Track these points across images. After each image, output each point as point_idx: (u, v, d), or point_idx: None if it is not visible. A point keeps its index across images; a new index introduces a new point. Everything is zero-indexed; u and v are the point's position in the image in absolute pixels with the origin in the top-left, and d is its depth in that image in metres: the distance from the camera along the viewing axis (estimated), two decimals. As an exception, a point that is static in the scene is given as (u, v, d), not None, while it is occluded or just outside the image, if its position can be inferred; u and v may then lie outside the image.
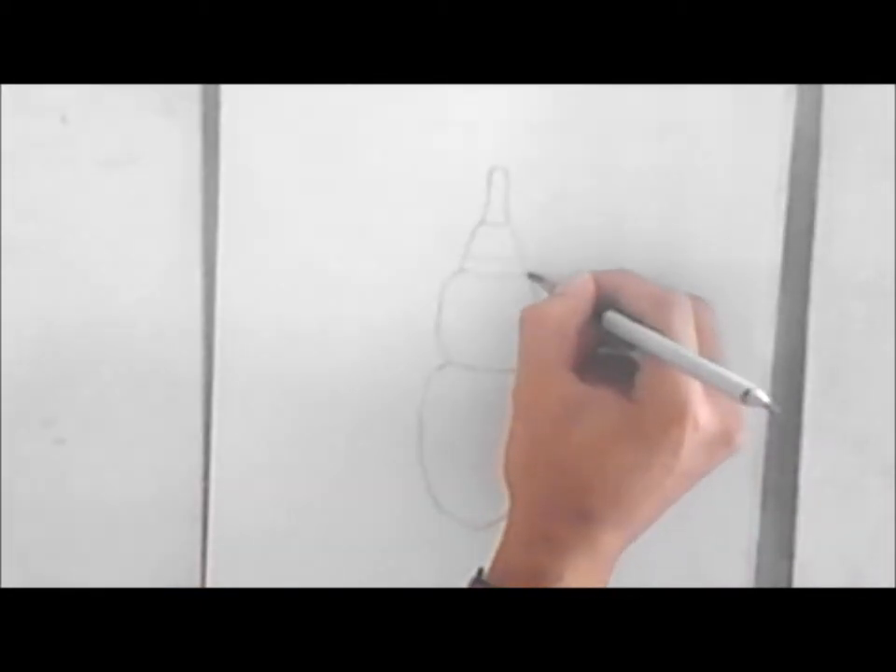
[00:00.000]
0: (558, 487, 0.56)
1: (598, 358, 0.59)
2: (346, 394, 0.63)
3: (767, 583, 0.64)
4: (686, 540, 0.63)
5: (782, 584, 0.64)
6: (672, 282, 0.61)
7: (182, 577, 0.65)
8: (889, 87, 0.60)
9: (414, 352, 0.63)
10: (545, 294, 0.61)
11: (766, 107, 0.61)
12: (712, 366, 0.54)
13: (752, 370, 0.62)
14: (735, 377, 0.53)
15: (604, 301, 0.59)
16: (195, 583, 0.65)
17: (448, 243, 0.62)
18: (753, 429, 0.62)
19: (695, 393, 0.55)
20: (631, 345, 0.57)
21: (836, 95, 0.61)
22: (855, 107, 0.61)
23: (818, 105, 0.61)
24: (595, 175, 0.62)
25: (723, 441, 0.56)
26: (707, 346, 0.57)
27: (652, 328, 0.56)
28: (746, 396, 0.52)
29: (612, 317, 0.58)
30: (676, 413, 0.55)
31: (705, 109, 0.61)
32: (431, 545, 0.63)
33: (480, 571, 0.57)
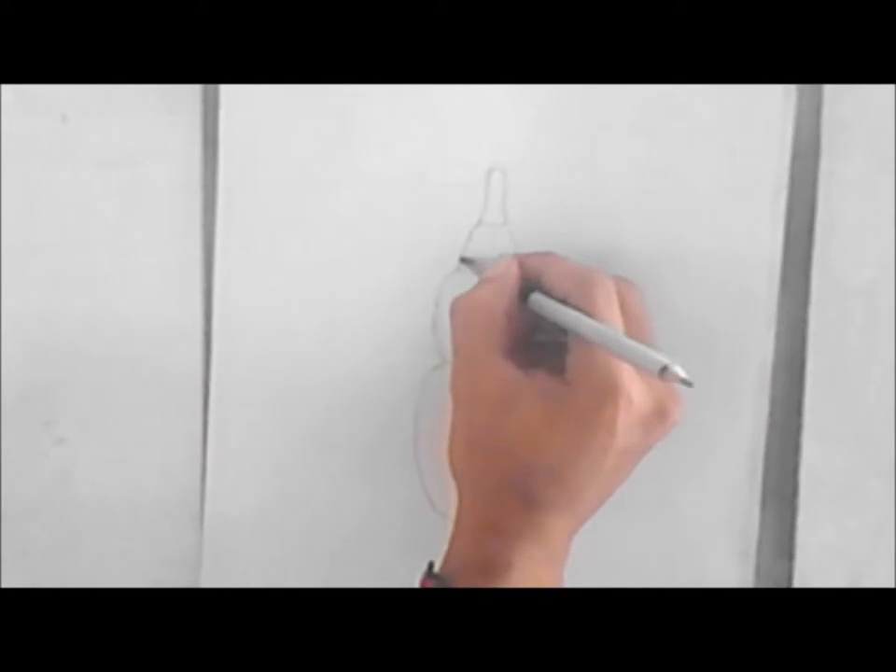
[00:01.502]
0: (501, 474, 0.56)
1: (534, 343, 0.59)
2: (343, 393, 0.63)
3: (767, 583, 0.64)
4: (686, 540, 0.63)
5: (782, 584, 0.64)
6: (671, 282, 0.61)
7: (182, 577, 0.65)
8: (889, 87, 0.60)
9: (411, 352, 0.63)
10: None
11: (766, 107, 0.61)
12: (631, 343, 0.54)
13: (752, 370, 0.62)
14: (653, 353, 0.53)
15: (530, 284, 0.58)
16: (194, 584, 0.65)
17: (446, 243, 0.62)
18: (753, 429, 0.62)
19: (626, 370, 0.54)
20: (563, 329, 0.57)
21: (836, 95, 0.61)
22: (855, 107, 0.61)
23: (818, 104, 0.61)
24: (593, 175, 0.62)
25: (659, 417, 0.55)
26: (635, 326, 0.56)
27: (577, 307, 0.56)
28: (663, 371, 0.52)
29: (537, 299, 0.58)
30: (608, 392, 0.54)
31: (705, 109, 0.61)
32: (426, 544, 0.63)
33: (431, 565, 0.57)
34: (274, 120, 0.62)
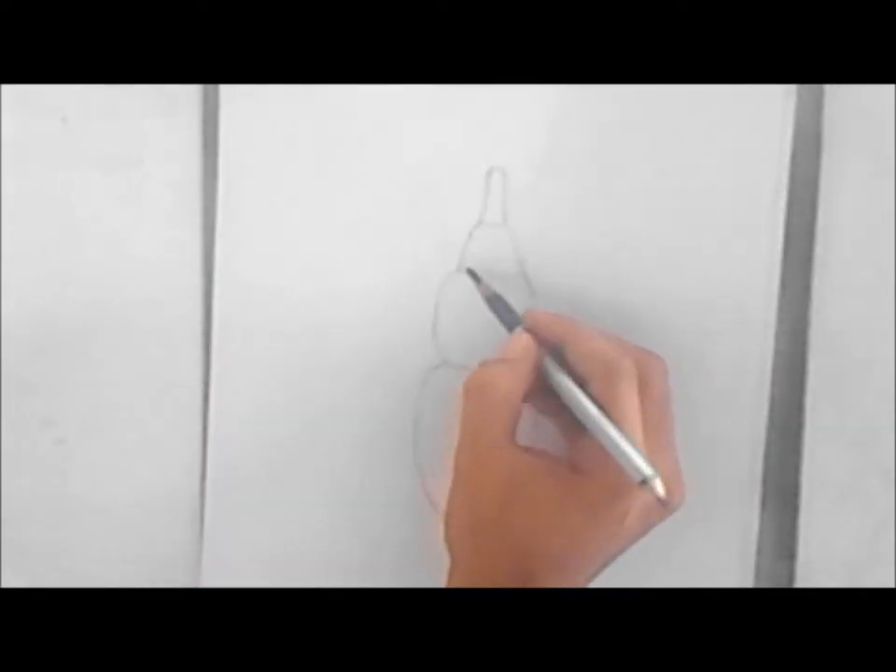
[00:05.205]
0: (501, 553, 0.55)
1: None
2: (343, 393, 0.63)
3: (767, 583, 0.63)
4: (686, 540, 0.63)
5: (782, 584, 0.64)
6: (671, 281, 0.61)
7: (182, 577, 0.65)
8: (889, 87, 0.60)
9: (411, 352, 0.63)
10: (535, 295, 0.61)
11: (766, 107, 0.61)
12: (627, 449, 0.54)
13: (752, 370, 0.62)
14: (643, 465, 0.53)
15: (549, 350, 0.58)
16: (194, 584, 0.65)
17: (446, 243, 0.62)
18: (753, 429, 0.62)
19: None
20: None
21: (836, 95, 0.61)
22: (855, 107, 0.61)
23: (818, 105, 0.61)
24: (593, 175, 0.62)
25: (663, 504, 0.55)
26: (655, 411, 0.56)
27: (595, 396, 0.56)
28: (643, 484, 0.53)
29: (557, 380, 0.57)
30: (622, 485, 0.54)
31: (705, 109, 0.61)
32: (425, 545, 0.63)
33: None
34: (274, 120, 0.62)
